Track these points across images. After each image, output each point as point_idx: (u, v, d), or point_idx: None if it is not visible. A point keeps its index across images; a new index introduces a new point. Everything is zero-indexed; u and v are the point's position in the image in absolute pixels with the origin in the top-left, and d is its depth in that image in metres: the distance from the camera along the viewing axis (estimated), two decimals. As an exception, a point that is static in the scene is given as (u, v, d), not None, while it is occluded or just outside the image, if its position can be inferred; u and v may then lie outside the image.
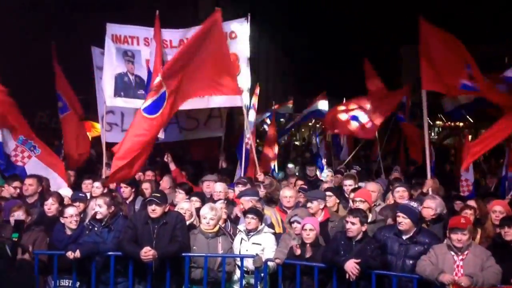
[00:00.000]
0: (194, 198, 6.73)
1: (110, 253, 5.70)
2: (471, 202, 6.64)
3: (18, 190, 7.10)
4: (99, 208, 5.82)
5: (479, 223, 6.11)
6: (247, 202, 6.44)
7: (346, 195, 7.23)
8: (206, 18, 8.02)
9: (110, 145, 8.77)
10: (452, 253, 5.07)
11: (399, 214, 5.44)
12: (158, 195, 5.77)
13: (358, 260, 5.14)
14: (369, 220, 5.75)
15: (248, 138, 8.71)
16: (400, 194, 6.81)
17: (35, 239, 5.74)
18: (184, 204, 6.31)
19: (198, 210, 6.19)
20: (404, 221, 5.36)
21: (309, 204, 6.28)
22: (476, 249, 5.14)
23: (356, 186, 7.31)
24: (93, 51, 9.33)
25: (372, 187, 6.87)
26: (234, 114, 15.26)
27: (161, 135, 8.06)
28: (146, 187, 7.32)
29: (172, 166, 8.35)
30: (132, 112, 9.44)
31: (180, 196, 7.07)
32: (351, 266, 5.13)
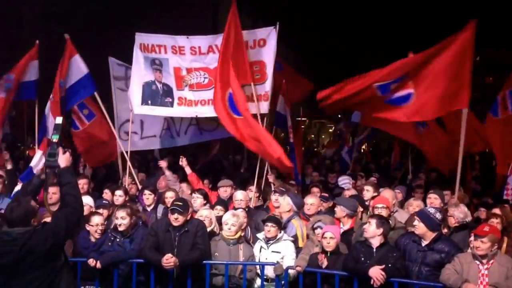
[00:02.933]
0: (218, 207, 6.77)
1: (132, 260, 5.77)
2: (497, 210, 6.53)
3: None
4: (122, 220, 5.86)
5: (506, 231, 6.00)
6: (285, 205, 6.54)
7: (366, 203, 7.16)
8: (224, 28, 8.10)
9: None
10: (477, 262, 4.98)
11: (415, 217, 5.46)
12: (181, 203, 5.79)
13: (383, 266, 5.10)
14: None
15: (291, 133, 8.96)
16: (432, 200, 6.77)
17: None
18: (203, 211, 6.35)
19: (221, 218, 6.20)
20: (418, 225, 5.36)
21: (335, 208, 6.38)
22: (502, 258, 5.04)
23: (376, 193, 7.25)
24: (110, 61, 9.52)
25: (387, 194, 6.81)
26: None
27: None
28: (171, 195, 7.29)
29: (188, 170, 8.32)
30: (151, 119, 9.66)
31: (198, 201, 7.07)
32: (376, 272, 5.08)
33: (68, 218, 4.16)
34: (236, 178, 9.11)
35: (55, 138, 4.46)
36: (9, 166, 8.62)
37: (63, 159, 4.31)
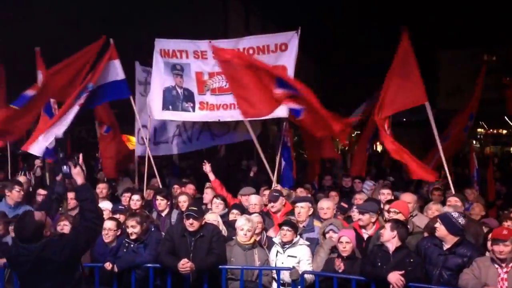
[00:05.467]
0: (234, 211, 6.80)
1: (149, 265, 5.81)
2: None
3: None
4: (133, 229, 5.90)
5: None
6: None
7: (381, 206, 7.09)
8: (233, 34, 8.12)
9: (141, 158, 9.06)
10: (496, 265, 4.92)
11: (437, 220, 5.39)
12: (195, 208, 5.82)
13: (402, 272, 5.04)
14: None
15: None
16: (452, 203, 6.68)
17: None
18: (209, 215, 6.36)
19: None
20: (439, 227, 5.30)
21: (360, 216, 6.21)
22: (522, 261, 4.96)
23: (392, 197, 7.18)
24: (136, 66, 9.65)
25: (408, 198, 6.73)
26: (267, 124, 15.29)
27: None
28: (184, 200, 7.37)
29: (211, 176, 8.27)
30: (164, 126, 9.72)
31: (220, 207, 7.14)
32: (396, 278, 5.02)
33: (87, 232, 4.26)
34: (246, 183, 9.13)
35: (61, 154, 4.54)
36: (38, 173, 8.74)
37: (77, 175, 4.35)
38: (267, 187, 8.22)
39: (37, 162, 8.76)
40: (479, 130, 29.37)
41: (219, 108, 8.56)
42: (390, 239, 5.31)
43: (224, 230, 6.22)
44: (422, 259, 5.35)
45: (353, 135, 16.42)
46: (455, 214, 5.44)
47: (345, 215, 7.18)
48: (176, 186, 8.68)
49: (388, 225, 5.37)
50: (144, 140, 9.37)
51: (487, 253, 5.16)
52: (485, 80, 11.38)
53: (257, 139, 9.83)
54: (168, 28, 9.99)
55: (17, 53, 11.64)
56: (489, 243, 5.16)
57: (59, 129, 7.86)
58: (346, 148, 19.11)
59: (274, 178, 8.35)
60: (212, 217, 6.30)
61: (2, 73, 10.30)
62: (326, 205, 6.71)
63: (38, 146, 7.86)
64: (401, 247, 5.32)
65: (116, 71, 8.70)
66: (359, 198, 7.55)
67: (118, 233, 6.11)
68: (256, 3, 24.31)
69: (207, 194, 7.98)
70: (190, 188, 8.49)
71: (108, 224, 6.07)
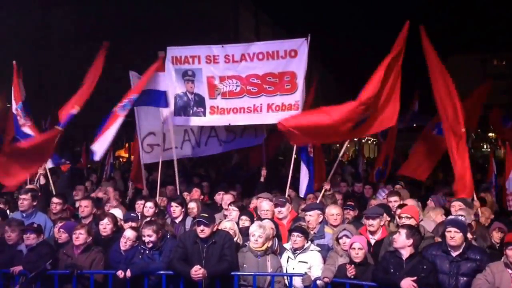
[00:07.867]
0: (243, 217, 6.82)
1: (161, 272, 5.85)
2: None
3: (59, 207, 7.44)
4: (149, 238, 5.97)
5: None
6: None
7: (392, 212, 7.07)
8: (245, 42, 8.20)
9: (147, 166, 9.10)
10: (510, 270, 4.91)
11: (451, 228, 5.27)
12: (206, 215, 5.86)
13: (415, 278, 5.03)
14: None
15: (310, 147, 8.78)
16: (456, 208, 6.64)
17: (93, 259, 5.98)
18: (226, 223, 6.39)
19: (247, 229, 6.24)
20: (457, 236, 5.21)
21: (370, 222, 6.20)
22: (535, 266, 4.93)
23: (402, 202, 7.17)
24: (131, 75, 9.71)
25: (410, 203, 6.71)
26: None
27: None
28: (192, 206, 7.44)
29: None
30: (173, 131, 9.80)
31: (233, 213, 7.15)
32: (408, 284, 5.01)
33: None
34: (257, 188, 9.13)
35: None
36: (42, 181, 8.79)
37: None
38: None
39: (40, 170, 8.76)
40: (490, 134, 29.09)
41: (229, 112, 8.65)
42: (405, 247, 5.29)
43: (240, 239, 6.23)
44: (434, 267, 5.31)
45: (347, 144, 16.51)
46: (463, 218, 5.46)
47: (354, 212, 7.25)
48: (186, 193, 8.77)
49: (403, 232, 5.32)
50: (152, 147, 9.42)
51: (503, 258, 5.12)
52: (495, 84, 11.26)
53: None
54: (178, 37, 10.09)
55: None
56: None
57: (103, 144, 7.88)
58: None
59: (287, 187, 8.35)
60: (229, 225, 6.32)
61: None
62: (335, 211, 6.70)
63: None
64: (414, 254, 5.30)
65: (158, 80, 8.50)
66: (374, 204, 7.51)
67: (136, 244, 6.16)
68: (266, 11, 24.54)
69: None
70: (196, 191, 8.56)
71: (128, 234, 6.14)
